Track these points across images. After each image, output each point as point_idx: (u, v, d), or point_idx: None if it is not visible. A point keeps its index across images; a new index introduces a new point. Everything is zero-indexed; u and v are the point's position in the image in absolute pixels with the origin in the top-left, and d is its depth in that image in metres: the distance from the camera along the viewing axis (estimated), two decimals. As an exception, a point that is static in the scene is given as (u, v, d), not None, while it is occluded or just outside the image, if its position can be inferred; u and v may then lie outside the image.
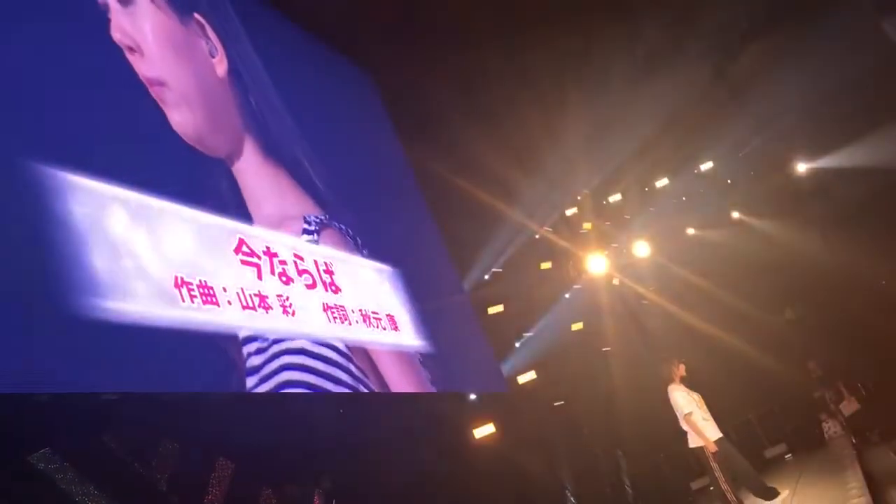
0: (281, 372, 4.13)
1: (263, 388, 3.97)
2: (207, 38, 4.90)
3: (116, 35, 4.10)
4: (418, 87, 8.39)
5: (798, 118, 10.83)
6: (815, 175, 11.90)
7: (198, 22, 4.88)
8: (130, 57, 4.14)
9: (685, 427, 5.97)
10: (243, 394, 3.88)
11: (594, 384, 9.43)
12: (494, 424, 7.04)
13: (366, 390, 4.78)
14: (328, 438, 4.90)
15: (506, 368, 8.27)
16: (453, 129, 8.56)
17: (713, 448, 5.80)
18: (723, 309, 10.44)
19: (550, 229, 10.32)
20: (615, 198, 11.53)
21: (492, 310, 8.88)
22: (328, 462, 4.82)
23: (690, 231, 12.04)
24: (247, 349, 3.95)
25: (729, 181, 12.50)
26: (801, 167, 12.05)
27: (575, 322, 9.91)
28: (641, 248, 10.53)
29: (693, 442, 5.98)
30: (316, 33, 7.21)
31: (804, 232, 11.28)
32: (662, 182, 11.95)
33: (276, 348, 4.16)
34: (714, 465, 5.81)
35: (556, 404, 8.99)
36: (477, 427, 7.00)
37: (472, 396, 7.16)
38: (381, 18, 7.74)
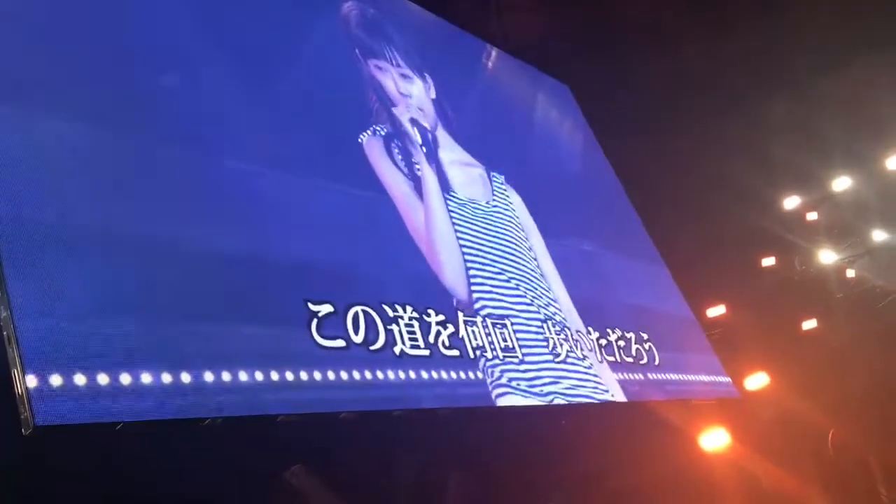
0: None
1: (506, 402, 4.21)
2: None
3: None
4: (615, 94, 8.39)
5: None
6: None
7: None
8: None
9: None
10: (478, 408, 4.11)
11: (833, 386, 8.72)
12: (724, 432, 6.79)
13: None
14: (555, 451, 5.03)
15: (732, 373, 7.92)
16: (655, 131, 8.44)
17: None
18: None
19: (771, 222, 9.75)
20: (842, 181, 10.61)
21: (712, 312, 8.57)
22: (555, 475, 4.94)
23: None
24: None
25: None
26: None
27: (806, 321, 9.26)
28: (878, 235, 9.61)
29: None
30: (516, 55, 7.46)
31: None
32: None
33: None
34: None
35: (794, 409, 8.43)
36: (706, 434, 6.80)
37: (698, 401, 6.95)
38: (574, 31, 7.88)
